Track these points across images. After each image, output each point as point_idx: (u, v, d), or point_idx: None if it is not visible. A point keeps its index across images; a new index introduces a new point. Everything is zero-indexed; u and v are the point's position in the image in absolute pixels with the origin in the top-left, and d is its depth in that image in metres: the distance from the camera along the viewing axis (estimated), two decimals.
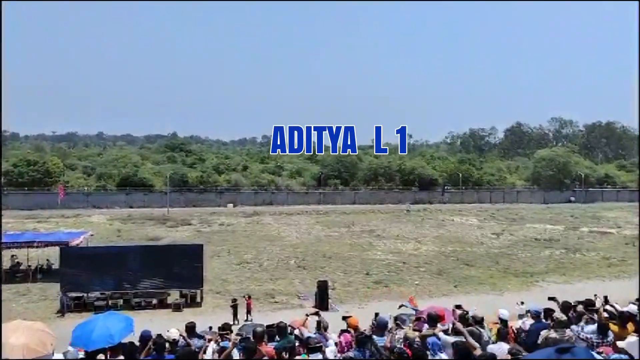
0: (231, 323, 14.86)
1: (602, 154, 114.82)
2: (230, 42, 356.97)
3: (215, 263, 33.05)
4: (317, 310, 13.54)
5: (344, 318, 10.40)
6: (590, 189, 77.20)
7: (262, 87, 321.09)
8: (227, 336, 8.63)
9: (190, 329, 9.06)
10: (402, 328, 9.23)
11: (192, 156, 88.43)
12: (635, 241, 42.56)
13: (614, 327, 8.82)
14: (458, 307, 10.51)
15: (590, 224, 52.75)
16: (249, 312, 22.50)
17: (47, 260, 30.19)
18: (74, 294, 23.85)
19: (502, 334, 7.85)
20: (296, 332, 9.20)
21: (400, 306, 13.44)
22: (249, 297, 23.47)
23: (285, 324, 8.60)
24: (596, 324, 8.90)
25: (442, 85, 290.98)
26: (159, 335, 9.87)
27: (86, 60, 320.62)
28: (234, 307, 21.94)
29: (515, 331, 9.86)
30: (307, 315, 10.10)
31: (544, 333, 9.22)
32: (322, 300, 23.82)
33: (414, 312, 13.59)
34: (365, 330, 9.76)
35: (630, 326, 8.76)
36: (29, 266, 29.97)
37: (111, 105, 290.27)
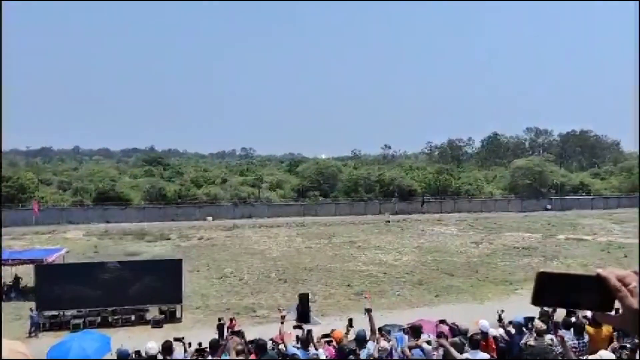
0: (217, 339, 14.57)
1: (577, 162, 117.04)
2: (206, 55, 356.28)
3: (195, 278, 32.64)
4: (300, 324, 13.45)
5: (325, 336, 10.37)
6: (566, 197, 78.49)
7: (240, 100, 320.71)
8: (203, 356, 8.49)
9: (167, 349, 8.93)
10: (389, 339, 9.23)
11: (170, 170, 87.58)
12: (610, 248, 43.46)
13: (589, 329, 8.96)
14: (442, 321, 10.58)
15: (566, 231, 53.56)
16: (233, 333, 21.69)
17: (18, 277, 29.34)
18: (49, 313, 23.35)
19: (474, 342, 7.90)
20: (280, 347, 9.15)
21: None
22: (232, 320, 22.73)
23: (265, 341, 8.52)
24: (572, 328, 9.02)
25: (421, 96, 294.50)
26: (137, 353, 9.69)
27: (61, 73, 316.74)
28: (220, 327, 21.41)
29: (494, 340, 9.92)
30: (282, 317, 9.95)
31: (523, 340, 9.31)
32: (303, 313, 23.68)
33: (400, 325, 13.59)
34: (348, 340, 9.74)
35: (605, 328, 8.90)
36: (4, 283, 29.18)
37: (87, 119, 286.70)
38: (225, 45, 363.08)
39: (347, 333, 11.05)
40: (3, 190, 60.53)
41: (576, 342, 8.56)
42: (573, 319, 9.59)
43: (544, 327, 9.28)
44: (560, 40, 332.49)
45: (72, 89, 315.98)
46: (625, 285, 1.19)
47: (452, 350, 7.12)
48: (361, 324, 11.32)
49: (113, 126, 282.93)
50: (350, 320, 13.57)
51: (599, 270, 1.22)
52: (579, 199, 78.93)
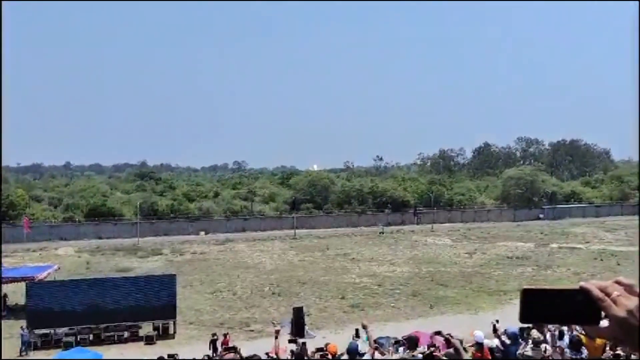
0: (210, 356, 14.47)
1: (568, 171, 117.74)
2: (198, 68, 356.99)
3: (188, 293, 32.40)
4: (295, 338, 13.37)
5: (319, 349, 10.32)
6: (558, 206, 78.92)
7: (232, 113, 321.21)
8: None
9: None
10: (383, 353, 9.19)
11: (162, 184, 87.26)
12: (602, 256, 43.67)
13: (582, 339, 8.96)
14: (438, 333, 10.54)
15: (559, 240, 53.78)
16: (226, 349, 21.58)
17: (5, 296, 28.95)
18: (40, 331, 23.05)
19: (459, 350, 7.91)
20: None
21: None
22: (226, 335, 22.60)
23: (259, 356, 8.46)
24: (568, 338, 9.02)
25: (412, 108, 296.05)
26: None
27: (51, 87, 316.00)
28: (213, 342, 21.25)
29: (490, 351, 9.90)
30: (276, 331, 9.93)
31: (520, 350, 9.31)
32: (298, 327, 23.53)
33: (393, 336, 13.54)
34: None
35: (599, 340, 8.92)
36: None
37: (78, 135, 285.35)
38: (217, 59, 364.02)
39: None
40: None
41: (575, 356, 8.55)
42: (565, 328, 9.61)
43: (541, 337, 9.29)
44: (552, 49, 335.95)
45: (63, 104, 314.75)
46: (608, 295, 1.20)
47: (463, 351, 7.12)
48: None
49: (104, 141, 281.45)
50: (358, 330, 13.41)
51: (581, 283, 1.23)
52: (570, 207, 79.38)
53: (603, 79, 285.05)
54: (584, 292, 1.21)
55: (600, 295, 1.20)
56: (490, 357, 9.34)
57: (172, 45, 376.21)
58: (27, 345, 22.28)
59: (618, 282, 1.23)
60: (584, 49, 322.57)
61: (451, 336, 9.29)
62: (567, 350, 8.58)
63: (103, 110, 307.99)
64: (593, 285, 1.22)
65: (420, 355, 8.46)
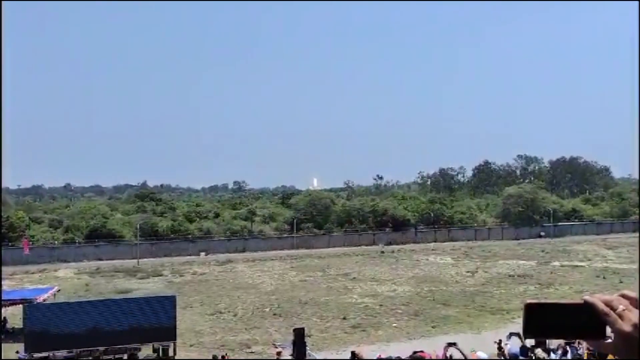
0: None
1: (568, 188, 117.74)
2: (197, 89, 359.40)
3: (188, 314, 32.18)
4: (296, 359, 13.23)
5: None
6: (559, 224, 78.74)
7: (232, 133, 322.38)
8: None
9: None
10: None
11: (163, 205, 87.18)
12: (605, 274, 43.47)
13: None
14: (452, 344, 10.44)
15: (561, 258, 53.54)
16: None
17: (5, 319, 28.78)
18: (39, 354, 22.80)
19: None
20: None
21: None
22: (224, 357, 22.41)
23: None
24: (571, 355, 8.97)
25: (412, 126, 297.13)
26: None
27: (50, 110, 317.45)
28: None
29: None
30: (277, 352, 9.89)
31: None
32: (299, 349, 23.30)
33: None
34: None
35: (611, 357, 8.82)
36: None
37: (78, 156, 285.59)
38: (215, 78, 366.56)
39: None
40: None
41: None
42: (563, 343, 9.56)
43: (547, 356, 9.22)
44: (549, 57, 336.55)
45: (63, 125, 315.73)
46: (613, 309, 1.18)
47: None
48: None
49: (105, 162, 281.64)
50: (354, 353, 13.29)
51: (585, 297, 1.21)
52: (571, 225, 79.19)
53: (601, 92, 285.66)
54: (588, 306, 1.20)
55: (606, 309, 1.18)
56: None
57: (171, 66, 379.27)
58: None
59: (623, 296, 1.21)
60: (582, 56, 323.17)
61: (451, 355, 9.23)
62: None
63: (103, 131, 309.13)
64: (597, 299, 1.20)
65: None
